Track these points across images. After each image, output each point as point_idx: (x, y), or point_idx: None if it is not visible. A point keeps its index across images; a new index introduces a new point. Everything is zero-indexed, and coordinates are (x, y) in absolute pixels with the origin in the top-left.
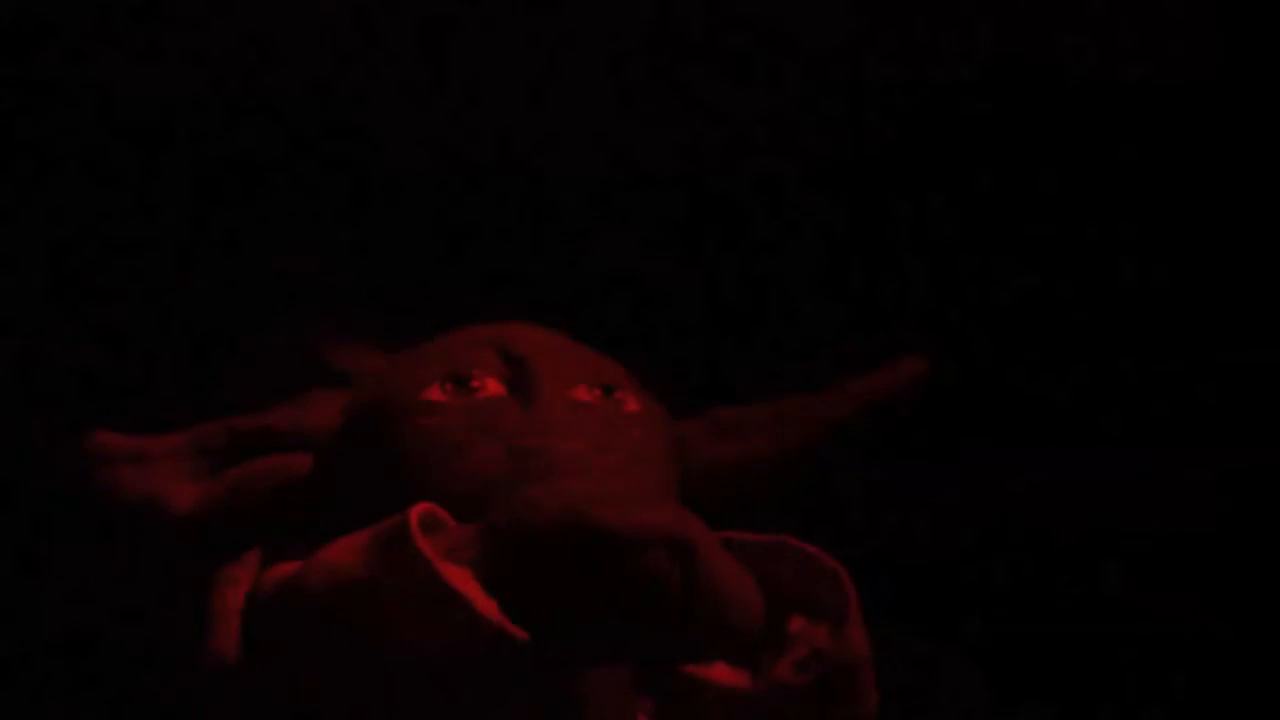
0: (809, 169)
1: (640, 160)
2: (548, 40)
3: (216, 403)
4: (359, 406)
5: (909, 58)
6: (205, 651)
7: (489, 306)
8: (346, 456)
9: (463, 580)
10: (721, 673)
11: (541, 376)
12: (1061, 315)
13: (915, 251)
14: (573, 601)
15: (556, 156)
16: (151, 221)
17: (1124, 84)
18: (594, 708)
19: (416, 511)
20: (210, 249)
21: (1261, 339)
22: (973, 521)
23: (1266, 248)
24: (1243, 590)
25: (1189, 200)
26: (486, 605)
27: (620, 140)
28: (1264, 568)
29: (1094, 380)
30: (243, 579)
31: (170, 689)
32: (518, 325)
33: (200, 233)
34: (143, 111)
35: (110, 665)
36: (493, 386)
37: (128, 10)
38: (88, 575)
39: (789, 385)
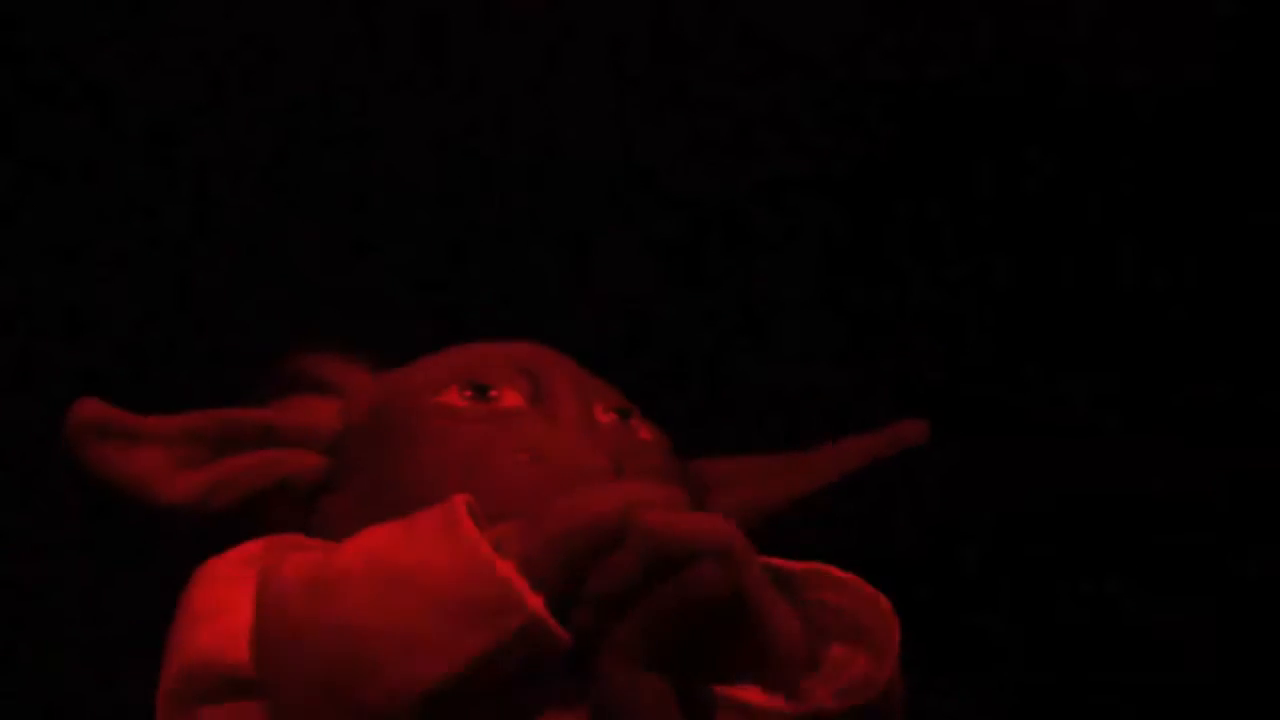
0: (813, 170)
1: (641, 160)
2: (548, 41)
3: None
4: (364, 411)
5: (908, 58)
6: (191, 652)
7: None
8: (351, 461)
9: (510, 570)
10: (758, 695)
11: (562, 391)
12: (1060, 315)
13: (916, 253)
14: (617, 605)
15: (559, 156)
16: (155, 223)
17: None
18: (629, 718)
19: (464, 498)
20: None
21: (1261, 340)
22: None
23: (1266, 249)
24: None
25: (1187, 202)
26: (534, 600)
27: (622, 140)
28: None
29: (1091, 378)
30: (237, 576)
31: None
32: (530, 344)
33: (203, 234)
34: (144, 113)
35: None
36: (511, 398)
37: (127, 11)
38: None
39: (790, 391)
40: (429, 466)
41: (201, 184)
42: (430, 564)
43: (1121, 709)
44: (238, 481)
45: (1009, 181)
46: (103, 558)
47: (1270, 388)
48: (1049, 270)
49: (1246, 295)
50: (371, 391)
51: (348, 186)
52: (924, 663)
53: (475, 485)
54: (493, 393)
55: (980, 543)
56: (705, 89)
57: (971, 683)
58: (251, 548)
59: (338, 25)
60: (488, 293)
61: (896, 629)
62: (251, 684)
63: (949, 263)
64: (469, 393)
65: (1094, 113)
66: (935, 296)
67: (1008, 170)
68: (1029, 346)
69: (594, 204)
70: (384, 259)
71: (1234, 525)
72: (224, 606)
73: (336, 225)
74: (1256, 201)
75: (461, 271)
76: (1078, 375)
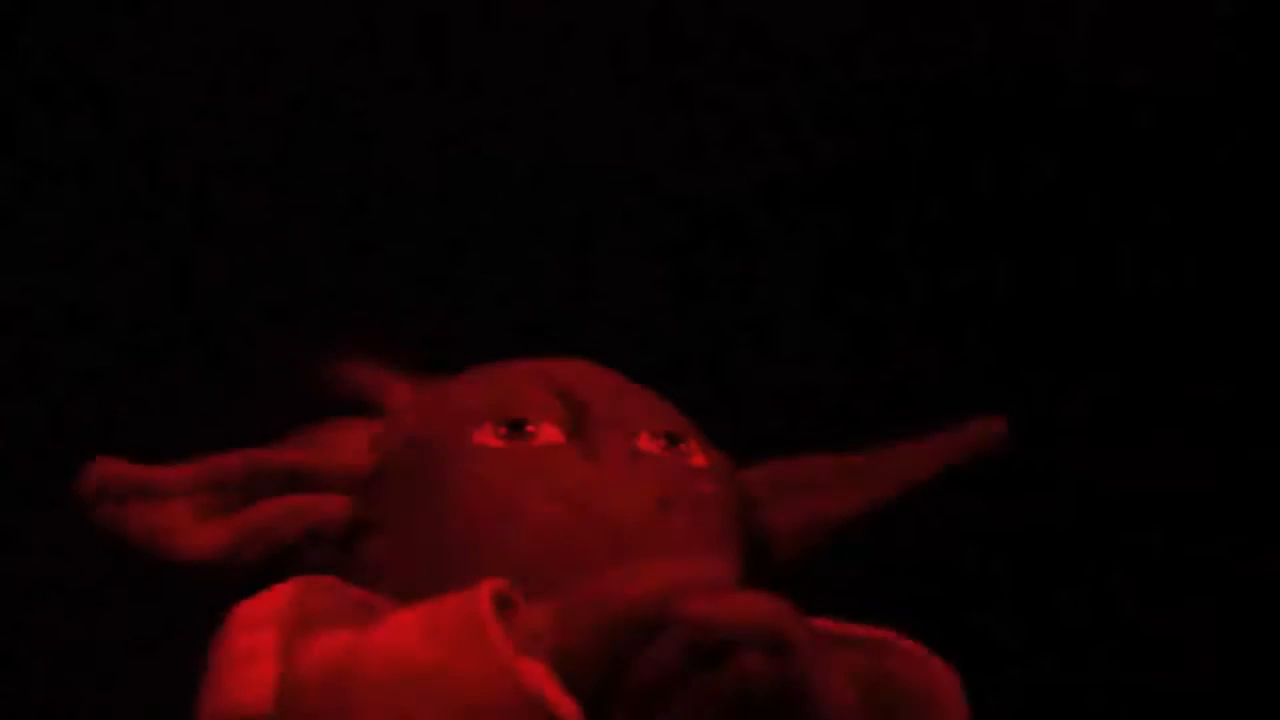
0: (811, 171)
1: (641, 161)
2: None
3: (234, 420)
4: (398, 445)
5: (908, 58)
6: (221, 700)
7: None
8: (385, 502)
9: (539, 676)
10: None
11: (603, 424)
12: (1059, 315)
13: (916, 255)
14: (659, 700)
15: (558, 157)
16: (155, 223)
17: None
18: None
19: (489, 589)
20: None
21: (1260, 340)
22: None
23: (1264, 250)
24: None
25: (1188, 203)
26: (567, 707)
27: (621, 140)
28: None
29: (1090, 379)
30: (268, 621)
31: None
32: (574, 363)
33: (203, 234)
34: (141, 112)
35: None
36: (549, 433)
37: (125, 10)
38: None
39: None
40: (462, 520)
41: (201, 184)
42: (452, 668)
43: (1122, 711)
44: (263, 533)
45: (1009, 182)
46: (104, 560)
47: (1269, 387)
48: (1048, 271)
49: (1246, 295)
50: (409, 417)
51: (348, 186)
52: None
53: (509, 545)
54: (530, 428)
55: (981, 543)
56: (706, 89)
57: (973, 683)
58: (283, 591)
59: (338, 25)
60: (488, 292)
61: (964, 707)
62: None
63: (948, 264)
64: (504, 429)
65: (1095, 113)
66: (935, 298)
67: (1008, 171)
68: (1029, 347)
69: (594, 205)
70: (384, 258)
71: (1236, 525)
72: (253, 655)
73: (336, 225)
74: (1256, 201)
75: (461, 271)
76: (1076, 376)
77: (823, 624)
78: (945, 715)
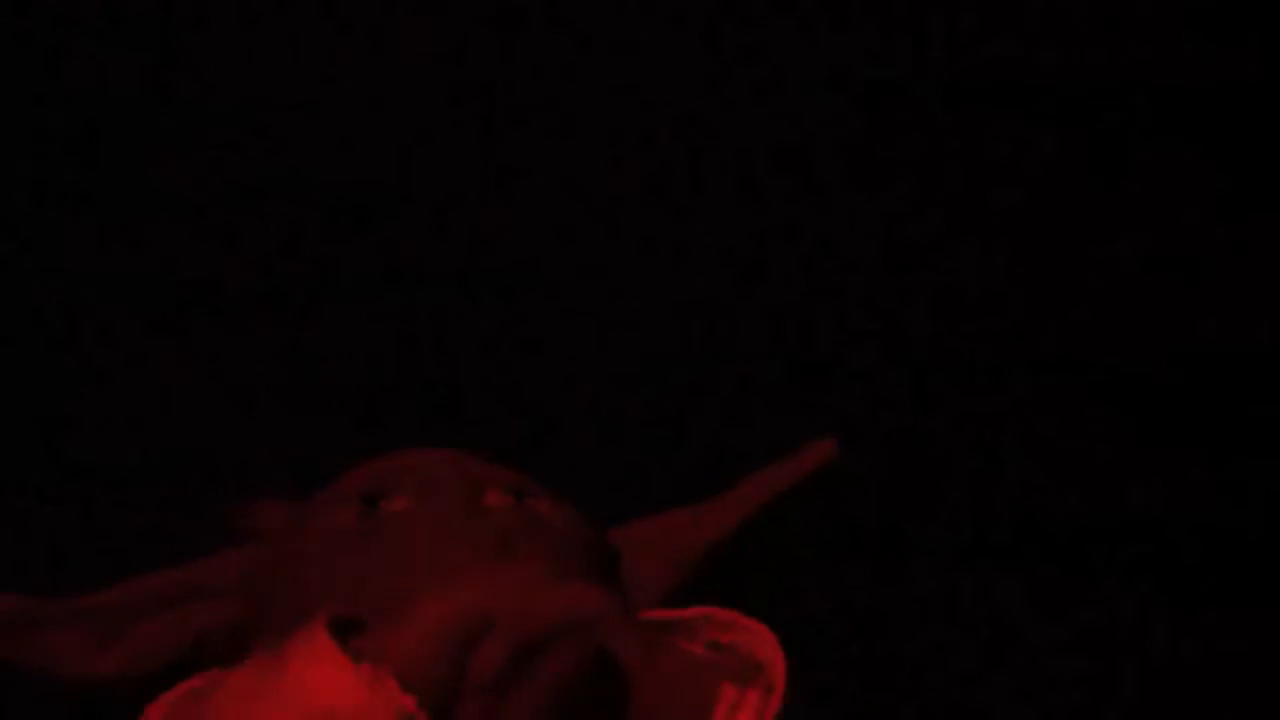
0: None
1: None
2: None
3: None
4: (272, 546)
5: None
6: None
7: None
8: (264, 594)
9: (379, 677)
10: None
11: (447, 484)
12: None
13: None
14: (498, 692)
15: None
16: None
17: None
18: None
19: (326, 614)
20: None
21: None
22: None
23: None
24: None
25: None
26: (405, 700)
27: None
28: None
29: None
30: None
31: None
32: (423, 449)
33: None
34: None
35: None
36: (400, 502)
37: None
38: None
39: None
40: (320, 590)
41: None
42: (301, 679)
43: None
44: (156, 646)
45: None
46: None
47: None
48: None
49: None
50: (280, 527)
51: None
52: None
53: (361, 599)
54: (382, 502)
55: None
56: None
57: None
58: (188, 686)
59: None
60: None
61: (782, 661)
62: None
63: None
64: (357, 508)
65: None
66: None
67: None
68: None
69: None
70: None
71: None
72: None
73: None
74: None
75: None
76: (1074, 377)
77: (648, 614)
78: (765, 670)
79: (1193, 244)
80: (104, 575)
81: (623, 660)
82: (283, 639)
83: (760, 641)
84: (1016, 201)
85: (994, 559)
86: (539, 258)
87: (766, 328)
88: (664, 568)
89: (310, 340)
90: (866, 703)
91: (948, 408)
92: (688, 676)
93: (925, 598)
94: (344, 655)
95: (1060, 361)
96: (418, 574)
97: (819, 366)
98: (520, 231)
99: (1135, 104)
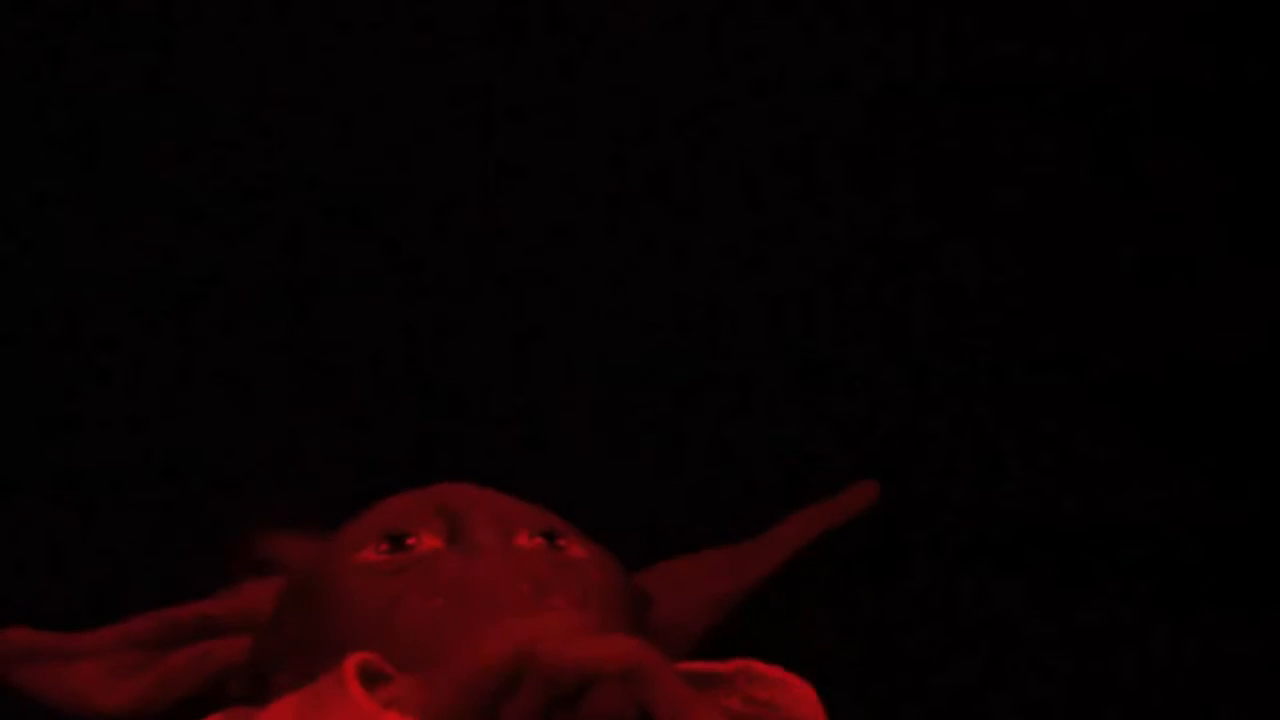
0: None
1: None
2: None
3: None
4: (296, 581)
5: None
6: None
7: None
8: (285, 632)
9: None
10: None
11: (479, 525)
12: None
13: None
14: None
15: None
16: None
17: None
18: None
19: (354, 660)
20: None
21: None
22: None
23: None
24: None
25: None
26: None
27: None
28: None
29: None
30: None
31: None
32: (450, 484)
33: None
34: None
35: None
36: (429, 542)
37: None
38: None
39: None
40: (347, 630)
41: None
42: None
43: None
44: (176, 681)
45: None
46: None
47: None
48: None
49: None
50: (306, 560)
51: None
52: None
53: (389, 641)
54: (410, 540)
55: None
56: None
57: None
58: None
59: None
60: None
61: (822, 715)
62: None
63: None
64: (385, 545)
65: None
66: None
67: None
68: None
69: None
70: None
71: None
72: None
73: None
74: (1253, 207)
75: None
76: (1075, 378)
77: (685, 666)
78: None
79: (1193, 244)
80: (104, 576)
81: (659, 715)
82: (308, 681)
83: (800, 699)
84: (1017, 201)
85: (994, 559)
86: (539, 257)
87: (766, 327)
88: (699, 612)
89: (310, 340)
90: (866, 703)
91: (948, 408)
92: None
93: (925, 598)
94: (373, 703)
95: (1061, 362)
96: (448, 619)
97: (819, 366)
98: (520, 231)
99: (1135, 104)
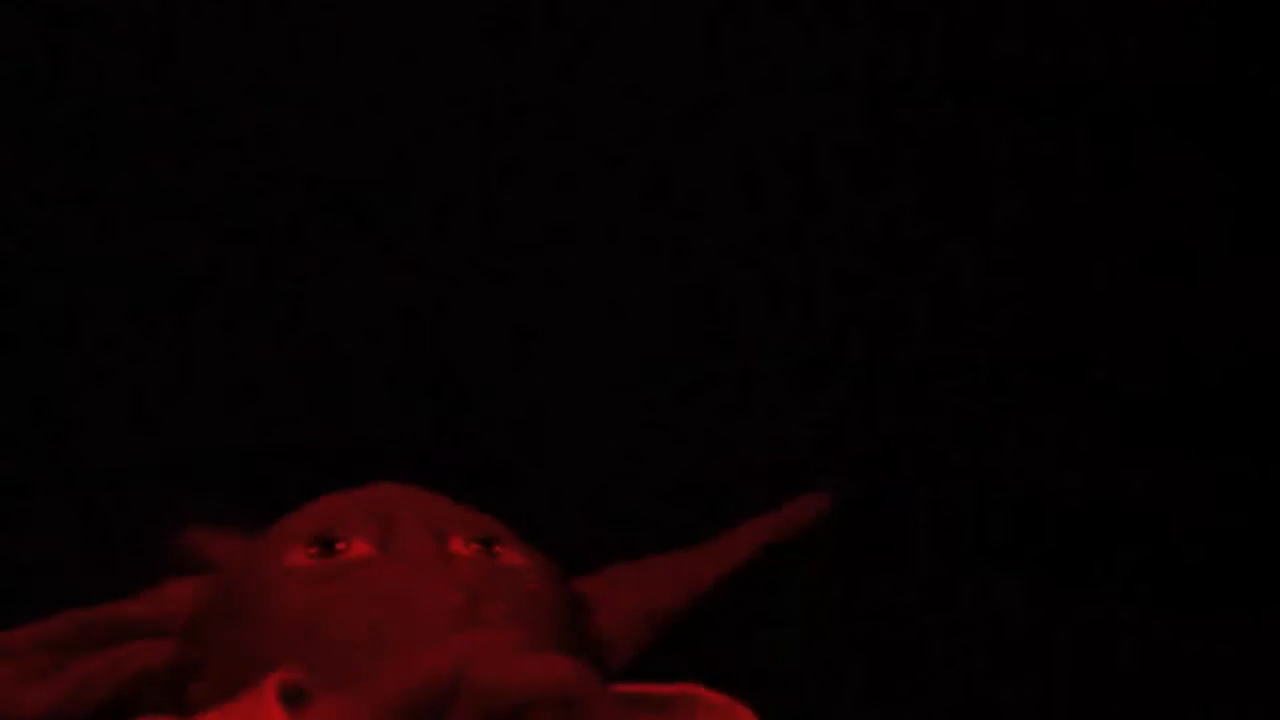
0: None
1: None
2: None
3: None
4: (219, 584)
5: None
6: None
7: None
8: (205, 638)
9: None
10: None
11: (411, 530)
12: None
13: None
14: None
15: None
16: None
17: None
18: None
19: (275, 680)
20: None
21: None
22: None
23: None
24: None
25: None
26: None
27: None
28: None
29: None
30: None
31: None
32: (386, 485)
33: None
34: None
35: None
36: (360, 547)
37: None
38: None
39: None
40: (270, 640)
41: None
42: None
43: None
44: (90, 685)
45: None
46: None
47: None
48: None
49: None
50: (229, 561)
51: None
52: None
53: (313, 655)
54: (339, 545)
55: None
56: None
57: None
58: None
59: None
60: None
61: None
62: None
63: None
64: (314, 550)
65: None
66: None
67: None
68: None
69: None
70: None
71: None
72: None
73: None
74: (1251, 209)
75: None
76: (1074, 377)
77: (624, 688)
78: None
79: (1193, 244)
80: (104, 576)
81: None
82: (227, 693)
83: None
84: (1016, 201)
85: (994, 559)
86: (538, 256)
87: (765, 327)
88: (631, 628)
89: (311, 339)
90: (866, 703)
91: (947, 408)
92: None
93: (925, 598)
94: None
95: (1060, 361)
96: (376, 633)
97: (818, 366)
98: (520, 230)
99: (1135, 104)
